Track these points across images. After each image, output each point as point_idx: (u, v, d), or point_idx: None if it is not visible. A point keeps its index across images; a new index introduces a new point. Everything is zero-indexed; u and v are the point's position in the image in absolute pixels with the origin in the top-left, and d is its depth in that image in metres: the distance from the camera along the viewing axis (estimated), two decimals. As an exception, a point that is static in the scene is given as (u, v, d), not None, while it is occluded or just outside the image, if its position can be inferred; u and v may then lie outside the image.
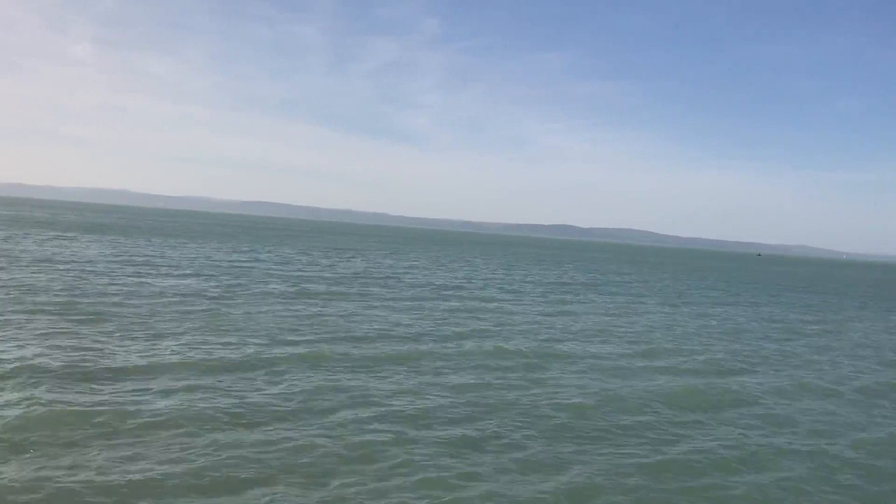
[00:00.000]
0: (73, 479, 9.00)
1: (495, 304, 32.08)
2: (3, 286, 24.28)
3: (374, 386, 14.77)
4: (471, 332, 22.82)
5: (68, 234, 61.35)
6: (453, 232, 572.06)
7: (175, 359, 15.51)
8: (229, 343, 17.85)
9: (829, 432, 14.20)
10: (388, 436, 11.61)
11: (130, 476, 9.19)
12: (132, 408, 11.87)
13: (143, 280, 29.91)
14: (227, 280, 32.83)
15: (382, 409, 13.10)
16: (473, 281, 45.15)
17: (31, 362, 14.11)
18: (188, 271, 35.58)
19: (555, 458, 11.28)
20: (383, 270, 48.07)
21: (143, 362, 15.01)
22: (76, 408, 11.57)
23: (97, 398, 12.28)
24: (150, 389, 13.14)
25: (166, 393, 13.00)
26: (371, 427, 11.98)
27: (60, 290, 24.65)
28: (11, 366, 13.78)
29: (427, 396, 14.28)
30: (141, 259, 40.74)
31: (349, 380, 15.09)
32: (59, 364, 14.16)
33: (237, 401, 12.82)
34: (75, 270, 31.39)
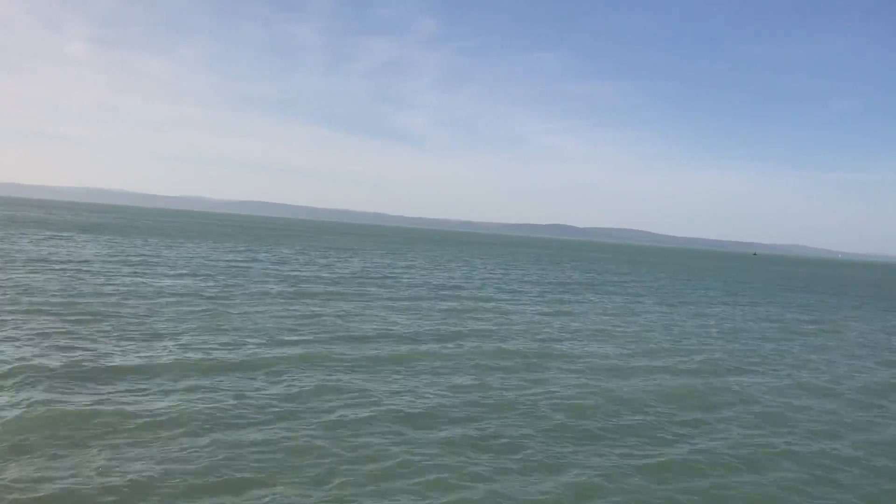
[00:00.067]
0: (72, 479, 8.98)
1: (493, 303, 32.09)
2: (0, 286, 24.22)
3: (372, 386, 14.77)
4: (469, 332, 22.82)
5: (64, 234, 61.23)
6: (451, 232, 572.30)
7: (173, 359, 15.48)
8: (228, 343, 17.83)
9: (828, 432, 14.23)
10: (387, 436, 11.61)
11: (130, 476, 9.18)
12: (131, 408, 11.86)
13: (141, 280, 29.85)
14: (225, 280, 32.79)
15: (381, 408, 13.10)
16: (471, 281, 45.15)
17: (30, 363, 14.08)
18: (186, 271, 35.53)
19: (554, 458, 11.28)
20: (381, 270, 48.06)
21: (141, 362, 14.98)
22: (75, 408, 11.55)
23: (96, 398, 12.26)
24: (149, 389, 13.12)
25: (165, 393, 12.98)
26: (370, 427, 11.98)
27: (57, 290, 24.60)
28: (10, 366, 13.74)
29: (426, 396, 14.28)
30: (138, 259, 40.66)
31: (348, 380, 15.08)
32: (57, 364, 14.13)
33: (236, 401, 12.80)
34: (72, 270, 31.33)
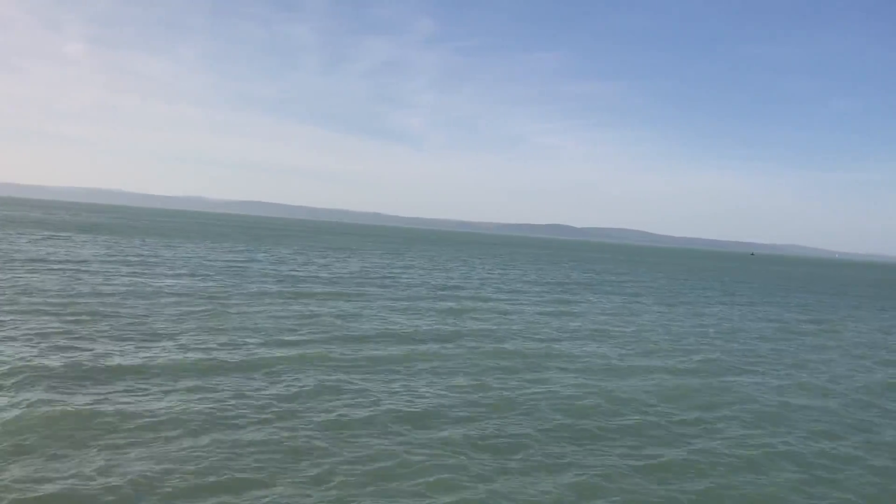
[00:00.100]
0: (72, 479, 8.98)
1: (492, 303, 32.10)
2: (-2, 286, 24.20)
3: (372, 386, 14.77)
4: (469, 332, 22.83)
5: (63, 234, 61.17)
6: (449, 232, 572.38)
7: (173, 359, 15.48)
8: (227, 343, 17.82)
9: (827, 432, 14.25)
10: (387, 436, 11.61)
11: (130, 476, 9.17)
12: (131, 408, 11.85)
13: (140, 280, 29.83)
14: (224, 280, 32.77)
15: (381, 408, 13.10)
16: (470, 281, 45.17)
17: (29, 363, 14.07)
18: (184, 271, 35.51)
19: (553, 458, 11.29)
20: (380, 270, 48.06)
21: (141, 362, 14.97)
22: (75, 408, 11.54)
23: (96, 398, 12.25)
24: (149, 390, 13.12)
25: (165, 393, 12.98)
26: (370, 427, 11.98)
27: (56, 290, 24.58)
28: (9, 366, 13.73)
29: (425, 396, 14.29)
30: (137, 259, 40.63)
31: (347, 380, 15.08)
32: (57, 364, 14.12)
33: (236, 401, 12.80)
34: (71, 270, 31.30)
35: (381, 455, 10.70)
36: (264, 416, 12.13)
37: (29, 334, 16.87)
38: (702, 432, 13.42)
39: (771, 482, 11.03)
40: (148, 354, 15.80)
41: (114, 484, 8.92)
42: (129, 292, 25.52)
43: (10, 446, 9.87)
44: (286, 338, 19.27)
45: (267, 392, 13.64)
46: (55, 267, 32.27)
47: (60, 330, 17.68)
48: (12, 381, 12.88)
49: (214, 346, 17.38)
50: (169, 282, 30.01)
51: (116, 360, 14.98)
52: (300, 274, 39.90)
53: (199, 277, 32.99)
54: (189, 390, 13.25)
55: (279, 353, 17.12)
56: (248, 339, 18.53)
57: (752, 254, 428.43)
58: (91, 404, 11.85)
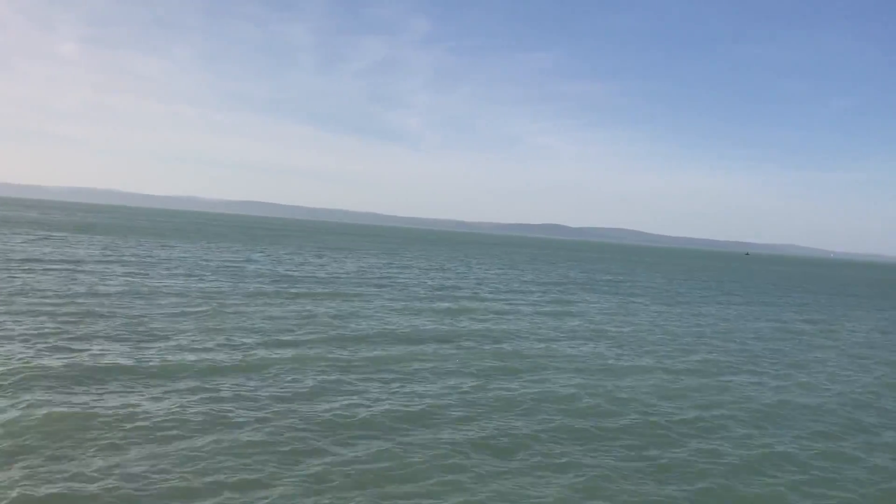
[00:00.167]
0: (72, 479, 8.95)
1: (490, 304, 32.10)
2: (-5, 286, 24.12)
3: (370, 386, 14.76)
4: (467, 333, 22.83)
5: (59, 235, 61.02)
6: (446, 232, 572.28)
7: (171, 359, 15.45)
8: (224, 343, 17.79)
9: (827, 432, 14.27)
10: (387, 436, 11.60)
11: (130, 476, 9.15)
12: (130, 408, 11.83)
13: (137, 280, 29.76)
14: (221, 280, 32.72)
15: (380, 408, 13.09)
16: (467, 281, 45.16)
17: (28, 364, 14.03)
18: (182, 271, 35.44)
19: (553, 458, 11.28)
20: (377, 270, 48.03)
21: (139, 363, 14.94)
22: (75, 409, 11.51)
23: (95, 399, 12.23)
24: (148, 390, 13.09)
25: (164, 393, 12.95)
26: (370, 427, 11.97)
27: (53, 290, 24.52)
28: (8, 367, 13.70)
29: (424, 396, 14.28)
30: (133, 259, 40.55)
31: (345, 380, 15.07)
32: (55, 365, 14.09)
33: (234, 401, 12.78)
34: (67, 271, 31.22)
35: (379, 455, 10.69)
36: (263, 416, 12.11)
37: (26, 335, 16.82)
38: (701, 432, 13.43)
39: (770, 482, 11.04)
40: (146, 355, 15.77)
41: (113, 484, 8.90)
42: (126, 292, 25.46)
43: (10, 446, 9.84)
44: (284, 338, 19.24)
45: (265, 392, 13.62)
46: (52, 267, 32.19)
47: (58, 330, 17.63)
48: (11, 381, 12.84)
49: (212, 346, 17.35)
50: (166, 282, 29.95)
51: (114, 361, 14.95)
52: (297, 274, 39.86)
53: (197, 277, 32.93)
54: (187, 391, 13.22)
55: (277, 353, 17.09)
56: (245, 340, 18.51)
57: (747, 254, 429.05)
58: (90, 405, 11.83)
